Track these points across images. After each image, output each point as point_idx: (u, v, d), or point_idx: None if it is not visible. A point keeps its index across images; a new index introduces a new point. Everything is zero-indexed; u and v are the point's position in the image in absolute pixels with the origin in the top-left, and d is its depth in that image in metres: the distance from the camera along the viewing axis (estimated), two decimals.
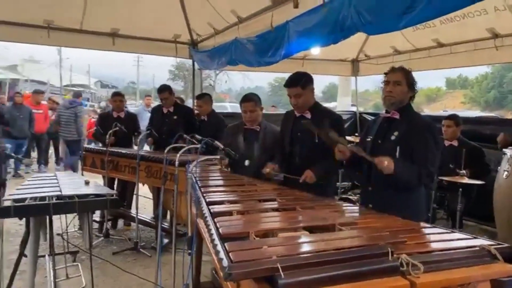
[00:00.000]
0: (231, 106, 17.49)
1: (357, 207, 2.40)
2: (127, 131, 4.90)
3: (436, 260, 1.40)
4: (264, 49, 4.08)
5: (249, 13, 4.45)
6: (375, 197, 2.48)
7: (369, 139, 2.65)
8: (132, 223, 5.02)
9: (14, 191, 2.85)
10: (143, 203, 5.72)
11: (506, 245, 1.56)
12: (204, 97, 5.07)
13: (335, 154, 2.49)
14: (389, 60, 6.37)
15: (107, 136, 4.49)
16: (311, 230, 1.71)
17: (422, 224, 1.90)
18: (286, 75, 3.20)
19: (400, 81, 2.45)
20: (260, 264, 1.25)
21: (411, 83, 2.46)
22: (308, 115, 2.94)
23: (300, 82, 2.88)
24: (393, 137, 2.46)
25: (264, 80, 61.51)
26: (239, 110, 3.54)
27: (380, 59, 6.65)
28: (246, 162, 3.11)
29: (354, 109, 8.44)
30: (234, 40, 4.56)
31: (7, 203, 2.58)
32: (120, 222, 5.32)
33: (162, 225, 4.40)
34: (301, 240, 1.51)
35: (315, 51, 4.74)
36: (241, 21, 4.64)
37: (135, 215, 4.44)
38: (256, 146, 3.37)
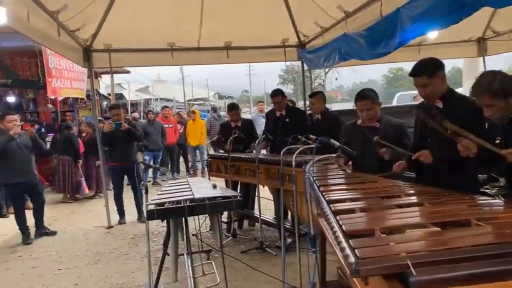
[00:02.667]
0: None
1: (498, 201, 2.15)
2: (245, 137, 5.17)
3: None
4: (376, 40, 3.91)
5: (356, 6, 4.33)
6: None
7: (497, 141, 2.38)
8: (256, 223, 5.28)
9: (155, 196, 3.24)
10: (265, 204, 5.96)
11: None
12: (317, 95, 5.08)
13: (460, 151, 2.27)
14: None
15: (228, 143, 4.81)
16: (443, 226, 1.59)
17: None
18: (401, 65, 3.01)
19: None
20: (388, 260, 1.22)
21: (503, 93, 2.12)
22: (440, 105, 2.69)
23: (425, 70, 2.63)
24: None
25: (377, 73, 58.81)
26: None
27: None
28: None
29: None
30: (343, 35, 4.47)
31: (151, 207, 2.94)
32: (245, 223, 5.63)
33: (284, 225, 4.54)
34: (431, 236, 1.42)
35: (433, 35, 4.38)
36: (348, 16, 4.54)
37: (258, 216, 4.64)
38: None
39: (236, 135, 4.82)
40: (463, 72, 12.55)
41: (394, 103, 13.22)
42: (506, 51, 6.04)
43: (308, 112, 6.62)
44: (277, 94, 5.13)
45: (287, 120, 5.06)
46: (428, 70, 2.63)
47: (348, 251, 1.34)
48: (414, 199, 2.05)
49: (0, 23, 3.11)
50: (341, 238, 1.49)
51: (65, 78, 9.44)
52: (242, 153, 5.16)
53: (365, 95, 3.26)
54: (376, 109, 3.25)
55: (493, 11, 5.64)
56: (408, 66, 3.19)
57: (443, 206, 1.86)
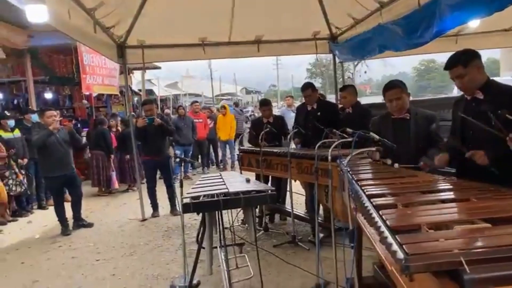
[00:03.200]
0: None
1: None
2: (276, 131, 5.15)
3: None
4: (412, 30, 3.78)
5: None
6: None
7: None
8: (288, 218, 5.27)
9: (190, 190, 3.28)
10: (295, 198, 5.93)
11: None
12: (348, 88, 4.98)
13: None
14: None
15: (260, 137, 4.81)
16: (493, 222, 1.53)
17: None
18: (434, 56, 2.92)
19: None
20: (440, 257, 1.18)
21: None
22: (480, 96, 2.58)
23: (460, 60, 2.56)
24: None
25: (407, 65, 57.37)
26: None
27: None
28: (396, 165, 2.93)
29: None
30: (377, 26, 4.36)
31: (186, 200, 2.98)
32: (277, 217, 5.63)
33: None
34: (483, 233, 1.37)
35: (474, 23, 4.21)
36: (383, 6, 4.42)
37: (290, 210, 4.63)
38: (408, 136, 3.16)
39: (268, 129, 4.81)
40: (500, 62, 12.07)
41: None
42: None
43: (340, 105, 6.53)
44: (307, 87, 5.07)
45: (319, 113, 4.99)
46: (462, 59, 2.55)
47: (395, 246, 1.31)
48: (458, 194, 1.98)
49: (42, 21, 3.22)
50: (387, 233, 1.46)
51: (97, 75, 9.70)
52: (274, 148, 5.15)
53: (393, 84, 3.21)
54: (405, 99, 3.18)
55: None
56: (441, 57, 3.09)
57: (491, 202, 1.79)
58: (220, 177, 3.73)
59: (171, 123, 7.35)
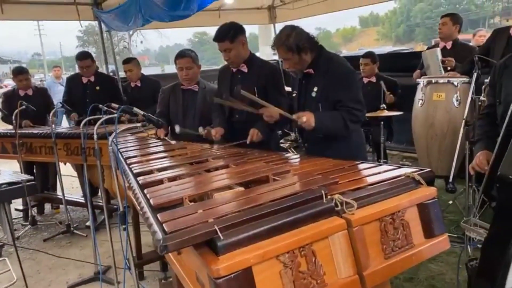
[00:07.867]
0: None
1: (290, 154, 2.42)
2: (37, 108, 4.41)
3: (367, 195, 1.43)
4: (175, 2, 3.81)
5: None
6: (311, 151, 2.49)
7: (294, 95, 2.63)
8: (61, 206, 4.71)
9: None
10: (71, 182, 5.39)
11: (427, 169, 1.65)
12: (133, 61, 4.75)
13: (264, 118, 2.47)
14: (304, 3, 6.34)
15: (13, 117, 4.04)
16: (247, 185, 1.68)
17: (351, 162, 1.94)
18: (206, 29, 3.01)
19: (287, 57, 2.32)
20: (197, 229, 1.19)
21: (297, 48, 2.26)
22: (245, 69, 2.82)
23: (227, 35, 2.71)
24: (313, 94, 2.39)
25: (182, 37, 59.44)
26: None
27: (295, 3, 6.59)
28: (177, 129, 2.94)
29: (276, 57, 8.41)
30: None
31: None
32: (48, 207, 4.96)
33: (96, 202, 4.20)
34: (236, 197, 1.47)
35: (229, 0, 4.55)
36: None
37: (62, 197, 4.14)
38: (195, 107, 3.21)
39: (23, 107, 4.07)
40: (259, 38, 13.75)
41: None
42: (292, 19, 6.81)
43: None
44: (86, 56, 4.51)
45: (97, 88, 4.53)
46: (230, 35, 2.72)
47: (155, 227, 1.26)
48: (220, 161, 2.11)
49: None
50: (148, 213, 1.40)
51: None
52: (35, 128, 4.45)
53: (186, 54, 3.19)
54: (196, 70, 3.22)
55: None
56: (212, 30, 3.20)
57: (245, 166, 1.96)
58: None
59: None
